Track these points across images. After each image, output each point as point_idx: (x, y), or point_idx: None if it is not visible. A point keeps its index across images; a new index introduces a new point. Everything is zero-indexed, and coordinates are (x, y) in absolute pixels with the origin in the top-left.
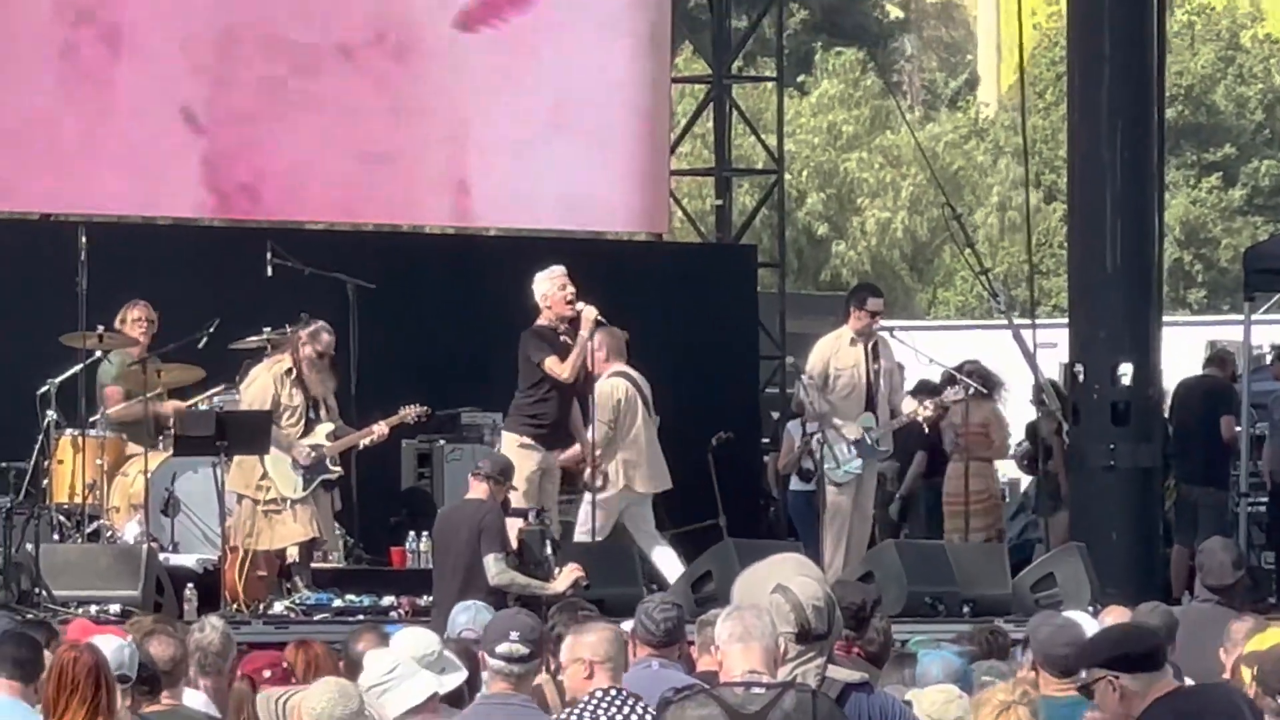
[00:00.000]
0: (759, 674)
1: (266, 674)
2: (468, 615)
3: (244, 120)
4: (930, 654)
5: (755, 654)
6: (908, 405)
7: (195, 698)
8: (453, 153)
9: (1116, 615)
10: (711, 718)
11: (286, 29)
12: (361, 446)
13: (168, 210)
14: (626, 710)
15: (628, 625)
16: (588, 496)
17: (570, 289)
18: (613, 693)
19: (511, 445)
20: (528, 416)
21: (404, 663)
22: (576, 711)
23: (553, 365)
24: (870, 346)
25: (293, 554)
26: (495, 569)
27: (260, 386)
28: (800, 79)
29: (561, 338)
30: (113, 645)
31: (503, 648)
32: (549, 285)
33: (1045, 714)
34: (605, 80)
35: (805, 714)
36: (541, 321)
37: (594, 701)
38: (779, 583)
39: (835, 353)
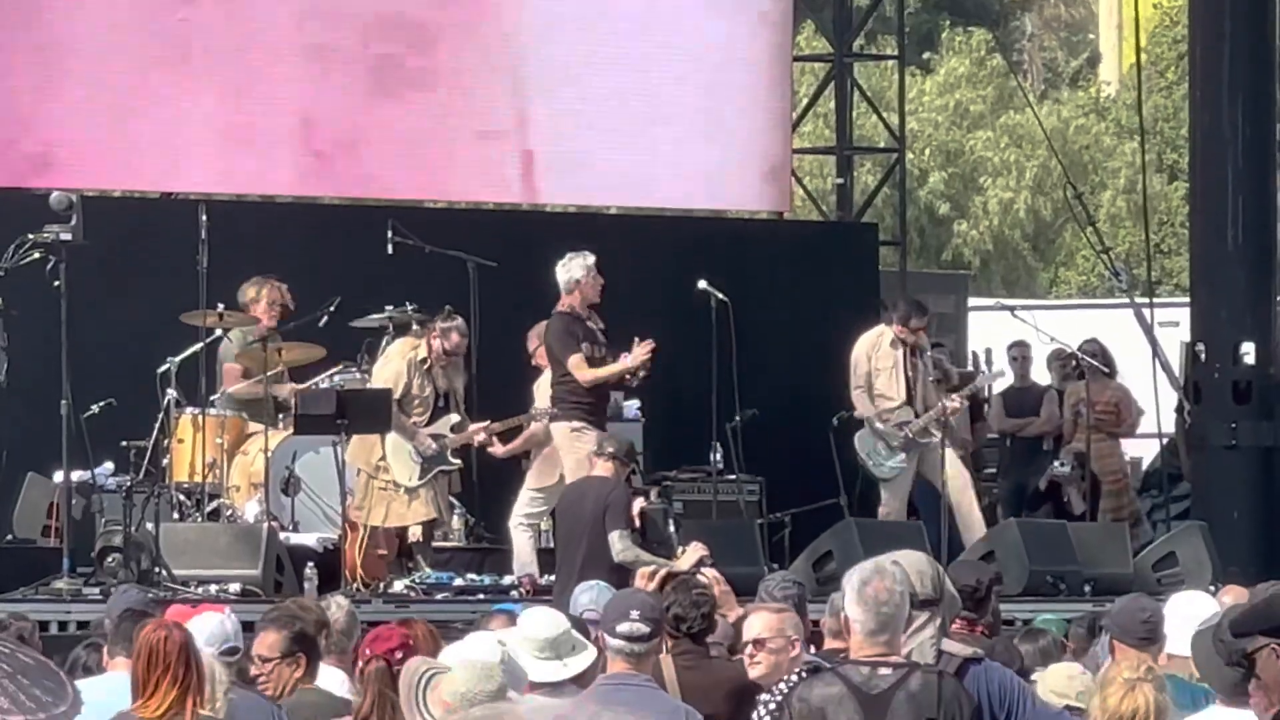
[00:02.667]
0: (885, 653)
1: (399, 655)
2: (590, 595)
3: (355, 97)
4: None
5: (881, 644)
6: (942, 402)
7: (333, 676)
8: (570, 130)
9: (1235, 595)
10: (837, 696)
11: (399, 5)
12: (477, 444)
13: (285, 188)
14: None
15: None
16: (526, 488)
17: (600, 278)
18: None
19: (564, 433)
20: (571, 403)
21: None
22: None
23: (577, 365)
24: (910, 346)
25: (414, 533)
26: (620, 545)
27: (394, 371)
28: (925, 56)
29: (588, 323)
30: (214, 620)
31: (623, 627)
32: (583, 272)
33: None
34: (726, 58)
35: (930, 695)
36: (564, 308)
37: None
38: (894, 559)
39: (875, 350)
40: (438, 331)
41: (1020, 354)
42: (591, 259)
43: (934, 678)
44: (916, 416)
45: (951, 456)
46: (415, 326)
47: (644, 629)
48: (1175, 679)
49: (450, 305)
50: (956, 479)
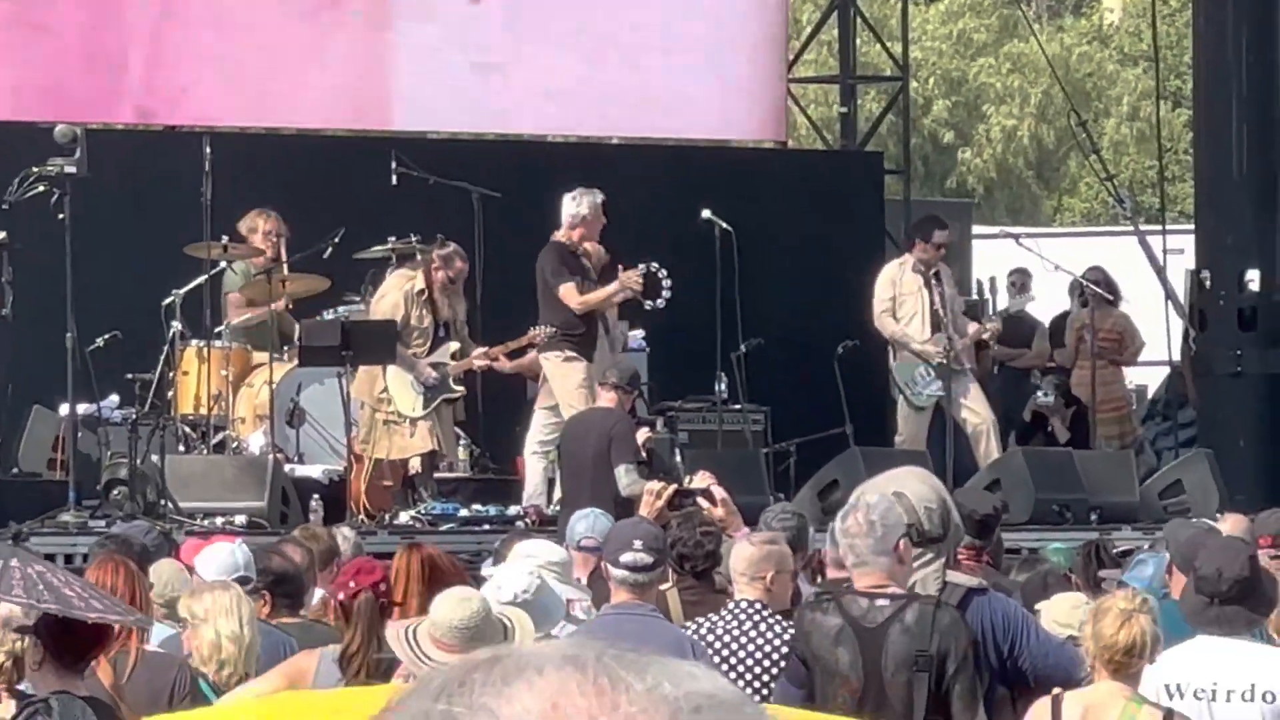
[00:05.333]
0: (882, 583)
1: (383, 588)
2: (586, 523)
3: (352, 29)
4: (1156, 557)
5: (872, 574)
6: (971, 327)
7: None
8: (566, 61)
9: (1233, 524)
10: (837, 629)
11: None
12: (478, 368)
13: (288, 120)
14: (762, 626)
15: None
16: (537, 408)
17: (604, 218)
18: (743, 604)
19: (555, 362)
20: (560, 333)
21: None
22: (709, 621)
23: (568, 293)
24: (932, 273)
25: (415, 465)
26: (627, 479)
27: (391, 303)
28: None
29: (582, 260)
30: (224, 551)
31: (627, 557)
32: (590, 210)
33: (1168, 618)
34: None
35: (925, 628)
36: (563, 239)
37: (729, 612)
38: (895, 489)
39: (899, 279)
40: (439, 261)
41: (1020, 280)
42: (601, 198)
43: (930, 609)
44: (949, 343)
45: (978, 392)
46: (418, 257)
47: (647, 559)
48: (1168, 602)
49: (443, 235)
50: (982, 416)
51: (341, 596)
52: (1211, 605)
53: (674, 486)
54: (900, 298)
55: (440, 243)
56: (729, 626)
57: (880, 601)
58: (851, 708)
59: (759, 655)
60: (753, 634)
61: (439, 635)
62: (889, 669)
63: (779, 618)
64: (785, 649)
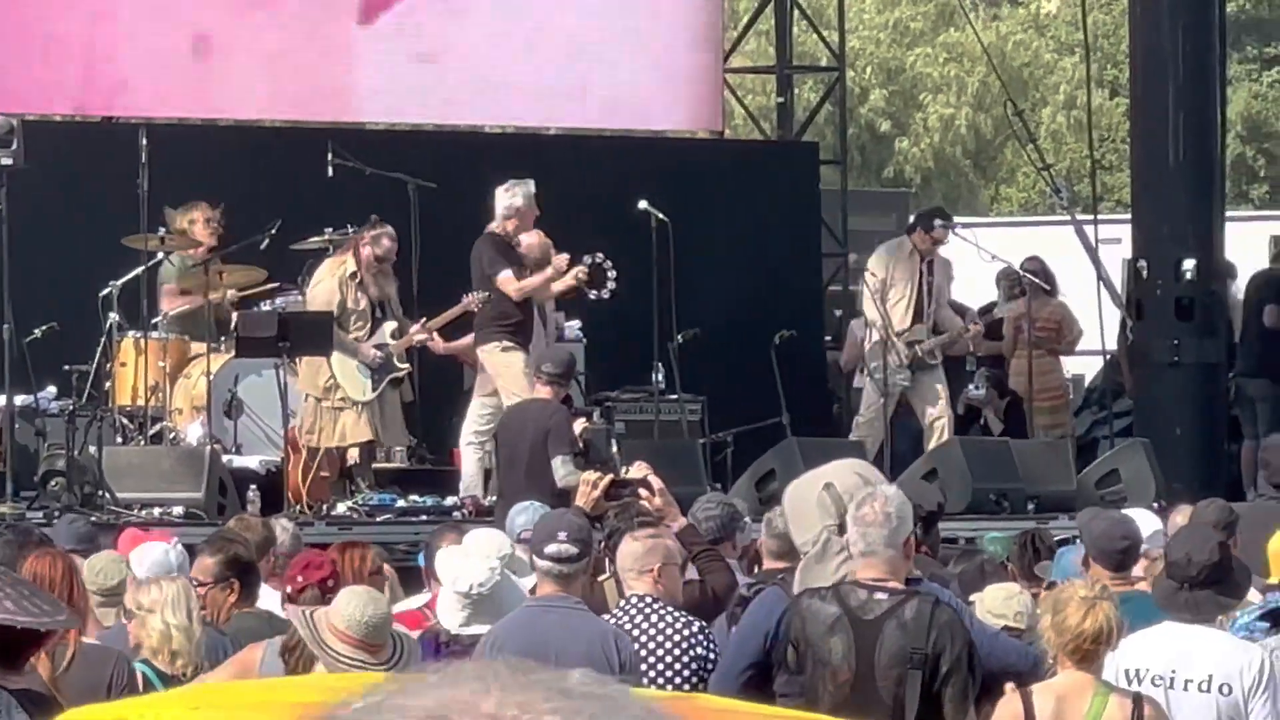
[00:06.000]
0: (885, 576)
1: (331, 584)
2: (526, 516)
3: (291, 20)
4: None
5: (877, 566)
6: (955, 323)
7: (277, 597)
8: (502, 51)
9: (1185, 515)
10: (833, 619)
11: None
12: (417, 343)
13: (225, 112)
14: (654, 618)
15: None
16: (475, 397)
17: (536, 209)
18: (634, 599)
19: (494, 354)
20: (496, 324)
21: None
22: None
23: (506, 281)
24: (928, 262)
25: (353, 455)
26: (563, 471)
27: (326, 290)
28: None
29: (518, 250)
30: (158, 551)
31: (551, 548)
32: (524, 200)
33: None
34: None
35: (922, 625)
36: (498, 230)
37: (620, 609)
38: (826, 481)
39: (895, 261)
40: (367, 239)
41: None
42: (533, 187)
43: (929, 607)
44: (928, 335)
45: (943, 389)
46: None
47: (572, 550)
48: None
49: (377, 216)
50: (941, 412)
51: (289, 589)
52: (1181, 590)
53: (610, 477)
54: (892, 280)
55: (373, 223)
56: (620, 621)
57: (879, 595)
58: (840, 699)
59: (652, 646)
60: (645, 625)
61: (343, 627)
62: (882, 663)
63: (670, 609)
64: (680, 637)
